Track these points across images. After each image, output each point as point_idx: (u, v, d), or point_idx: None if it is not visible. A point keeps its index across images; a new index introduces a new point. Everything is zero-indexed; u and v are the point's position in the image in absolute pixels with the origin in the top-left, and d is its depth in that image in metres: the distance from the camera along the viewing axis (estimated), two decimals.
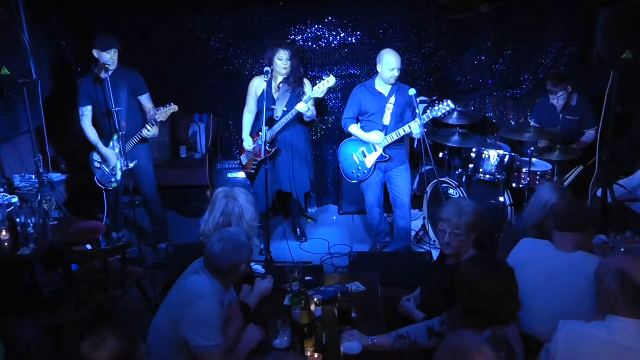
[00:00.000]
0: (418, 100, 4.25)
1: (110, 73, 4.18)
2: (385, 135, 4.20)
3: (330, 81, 4.18)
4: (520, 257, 2.58)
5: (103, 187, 4.56)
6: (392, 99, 4.19)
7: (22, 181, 4.49)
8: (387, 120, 4.22)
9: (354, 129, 4.32)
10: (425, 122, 4.08)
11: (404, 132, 4.11)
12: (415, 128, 4.05)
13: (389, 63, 4.08)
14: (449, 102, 4.02)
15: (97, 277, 3.46)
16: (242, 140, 4.67)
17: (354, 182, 4.46)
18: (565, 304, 2.41)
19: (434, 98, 5.23)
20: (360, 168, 4.36)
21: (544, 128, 4.56)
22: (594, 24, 3.70)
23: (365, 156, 4.32)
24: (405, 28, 5.09)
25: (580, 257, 2.50)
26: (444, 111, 4.04)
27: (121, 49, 4.30)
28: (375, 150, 4.26)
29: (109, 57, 4.17)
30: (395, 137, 4.17)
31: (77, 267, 3.67)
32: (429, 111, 4.09)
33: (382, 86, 4.23)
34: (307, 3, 5.00)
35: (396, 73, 4.10)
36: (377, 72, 4.23)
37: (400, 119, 4.24)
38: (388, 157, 4.25)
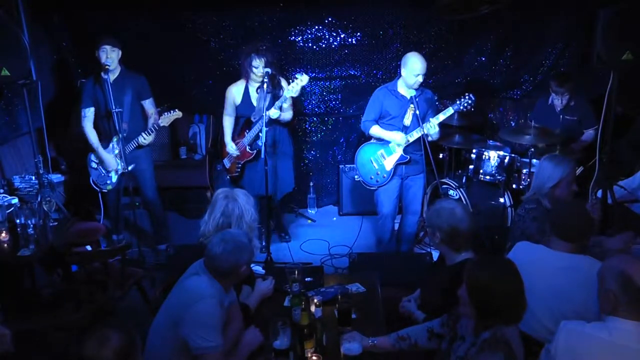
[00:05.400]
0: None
1: (110, 74, 4.18)
2: (405, 134, 4.10)
3: (303, 79, 4.19)
4: (517, 259, 2.59)
5: (98, 189, 4.56)
6: (415, 101, 4.03)
7: (22, 182, 4.50)
8: (407, 121, 4.11)
9: (376, 129, 4.19)
10: (446, 117, 4.00)
11: (422, 131, 3.98)
12: (430, 128, 3.96)
13: (413, 68, 3.94)
14: (471, 95, 3.95)
15: (97, 278, 3.46)
16: (224, 144, 4.66)
17: (372, 188, 4.30)
18: (563, 304, 2.42)
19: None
20: (379, 172, 4.23)
21: (544, 128, 4.56)
22: (594, 24, 3.69)
23: (384, 158, 4.19)
24: (405, 29, 5.09)
25: (578, 258, 2.53)
26: (465, 104, 3.96)
27: (122, 50, 4.31)
28: (395, 151, 4.16)
29: (105, 56, 4.17)
30: (416, 135, 4.05)
31: (77, 268, 3.67)
32: (450, 106, 3.99)
33: (405, 89, 4.08)
34: (307, 4, 5.00)
35: (420, 79, 3.97)
36: (400, 75, 4.09)
37: (422, 121, 4.05)
38: (408, 158, 4.14)
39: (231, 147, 4.56)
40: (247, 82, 4.42)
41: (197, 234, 2.89)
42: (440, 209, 2.67)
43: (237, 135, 4.59)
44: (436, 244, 2.72)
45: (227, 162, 4.72)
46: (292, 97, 4.35)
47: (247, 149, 4.51)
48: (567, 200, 3.09)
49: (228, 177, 4.77)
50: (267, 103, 4.17)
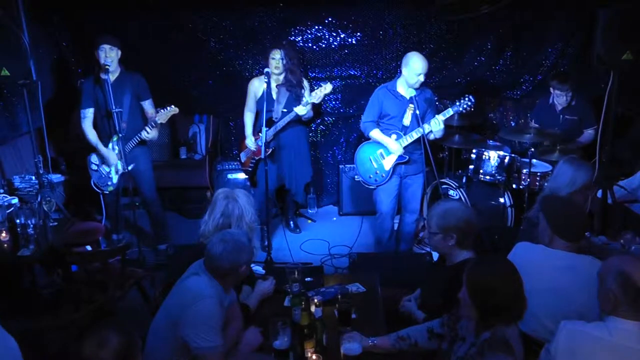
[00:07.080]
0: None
1: (110, 74, 4.18)
2: (405, 134, 4.09)
3: (326, 88, 4.30)
4: (517, 259, 2.59)
5: (99, 191, 4.55)
6: (415, 101, 4.02)
7: (22, 182, 4.49)
8: (407, 120, 4.10)
9: (376, 133, 4.17)
10: (445, 118, 3.99)
11: (422, 131, 3.98)
12: (435, 125, 3.96)
13: (415, 67, 3.93)
14: (470, 97, 3.95)
15: (97, 278, 3.46)
16: (243, 138, 4.75)
17: (371, 187, 4.31)
18: (563, 304, 2.42)
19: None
20: (378, 172, 4.22)
21: (543, 129, 4.56)
22: (594, 24, 3.70)
23: (383, 158, 4.18)
24: (405, 29, 5.08)
25: (578, 258, 2.53)
26: (465, 106, 3.96)
27: (121, 50, 4.31)
28: (394, 151, 4.15)
29: (104, 55, 4.17)
30: (415, 136, 4.04)
31: (77, 268, 3.67)
32: (450, 107, 3.99)
33: (405, 88, 4.08)
34: (307, 4, 5.00)
35: (422, 78, 3.96)
36: (400, 74, 4.10)
37: (421, 121, 4.03)
38: (407, 158, 4.13)
39: (250, 142, 4.64)
40: (269, 77, 4.40)
41: (197, 234, 2.89)
42: (448, 210, 2.65)
43: (257, 132, 4.65)
44: (449, 247, 2.65)
45: (243, 156, 4.80)
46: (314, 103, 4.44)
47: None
48: (567, 200, 3.08)
49: (242, 170, 4.95)
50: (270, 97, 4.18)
